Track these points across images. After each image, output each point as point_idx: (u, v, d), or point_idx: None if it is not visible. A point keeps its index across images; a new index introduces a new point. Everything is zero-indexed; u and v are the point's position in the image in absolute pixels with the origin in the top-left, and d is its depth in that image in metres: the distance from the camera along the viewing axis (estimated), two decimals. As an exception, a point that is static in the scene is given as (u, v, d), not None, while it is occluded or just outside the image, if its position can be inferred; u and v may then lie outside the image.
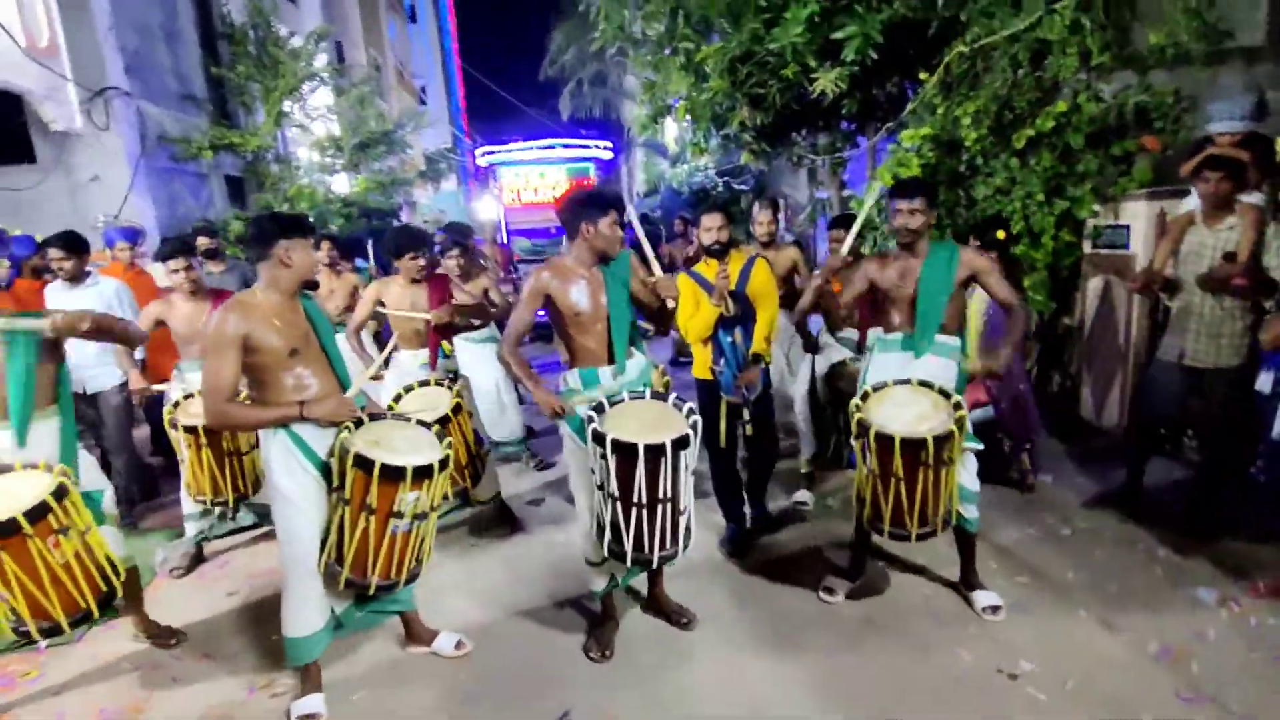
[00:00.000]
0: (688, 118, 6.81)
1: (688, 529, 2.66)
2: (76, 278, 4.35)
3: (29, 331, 2.68)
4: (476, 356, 4.83)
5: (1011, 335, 2.99)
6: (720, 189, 11.69)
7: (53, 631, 2.52)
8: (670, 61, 6.23)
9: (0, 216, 6.75)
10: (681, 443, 2.45)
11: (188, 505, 3.80)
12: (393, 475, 2.37)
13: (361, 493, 2.38)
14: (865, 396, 2.85)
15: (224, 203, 10.94)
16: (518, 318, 2.80)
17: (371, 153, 11.77)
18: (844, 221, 4.18)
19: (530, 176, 10.37)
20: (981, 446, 2.92)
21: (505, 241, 10.11)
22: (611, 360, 2.80)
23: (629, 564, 2.62)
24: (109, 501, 2.92)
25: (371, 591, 2.52)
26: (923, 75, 5.06)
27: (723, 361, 3.40)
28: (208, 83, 10.83)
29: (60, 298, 4.28)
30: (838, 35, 5.04)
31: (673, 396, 2.75)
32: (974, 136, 4.78)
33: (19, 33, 6.75)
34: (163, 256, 3.82)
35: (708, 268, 3.50)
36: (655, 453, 2.41)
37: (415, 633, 2.96)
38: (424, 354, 4.00)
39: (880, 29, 4.91)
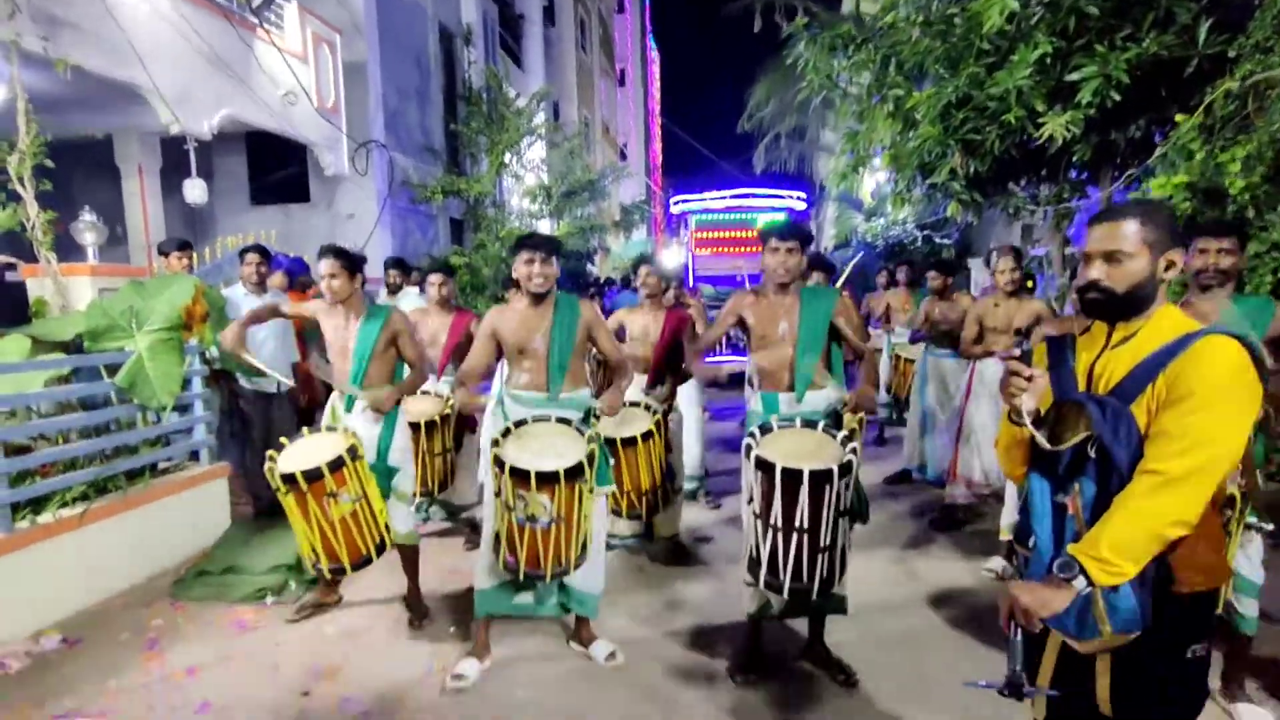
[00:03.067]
0: (890, 169, 6.58)
1: (831, 569, 2.54)
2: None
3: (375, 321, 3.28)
4: (684, 392, 4.91)
5: None
6: (919, 243, 11.13)
7: (315, 570, 3.20)
8: (877, 110, 6.08)
9: (280, 243, 8.10)
10: (824, 476, 2.38)
11: None
12: (500, 466, 2.68)
13: (498, 484, 2.72)
14: None
15: (446, 240, 12.31)
16: (712, 331, 3.16)
17: (576, 200, 12.69)
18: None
19: (720, 225, 10.57)
20: (1271, 527, 2.43)
21: (692, 287, 10.34)
22: (792, 388, 2.85)
23: (762, 585, 2.61)
24: (404, 480, 3.36)
25: (521, 576, 2.83)
26: (1179, 118, 4.49)
27: (1031, 540, 1.56)
28: (445, 137, 12.36)
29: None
30: (1072, 77, 4.63)
31: (842, 433, 2.65)
32: (1241, 185, 4.13)
33: (314, 94, 8.17)
34: (427, 271, 4.56)
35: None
36: (792, 478, 2.39)
37: (580, 633, 3.15)
38: (642, 380, 4.16)
39: (1125, 69, 4.45)
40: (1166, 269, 1.45)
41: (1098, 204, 6.44)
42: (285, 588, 3.71)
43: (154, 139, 7.82)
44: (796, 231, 2.85)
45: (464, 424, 4.42)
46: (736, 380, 5.28)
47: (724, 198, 10.26)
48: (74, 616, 3.48)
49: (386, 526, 3.22)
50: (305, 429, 3.25)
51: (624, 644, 3.11)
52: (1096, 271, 1.47)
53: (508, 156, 12.22)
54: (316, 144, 8.49)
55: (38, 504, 3.52)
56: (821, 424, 2.71)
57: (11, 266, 4.03)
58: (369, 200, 10.16)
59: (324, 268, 3.18)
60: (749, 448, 2.52)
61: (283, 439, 3.15)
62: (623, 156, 26.40)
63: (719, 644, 3.16)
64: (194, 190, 6.74)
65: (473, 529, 4.51)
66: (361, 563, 3.13)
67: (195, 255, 4.94)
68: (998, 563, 3.77)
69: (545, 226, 14.13)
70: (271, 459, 3.01)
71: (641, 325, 4.20)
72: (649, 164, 31.95)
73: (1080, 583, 1.37)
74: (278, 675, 2.98)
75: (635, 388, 4.09)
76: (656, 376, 4.13)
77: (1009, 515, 3.80)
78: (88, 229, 4.79)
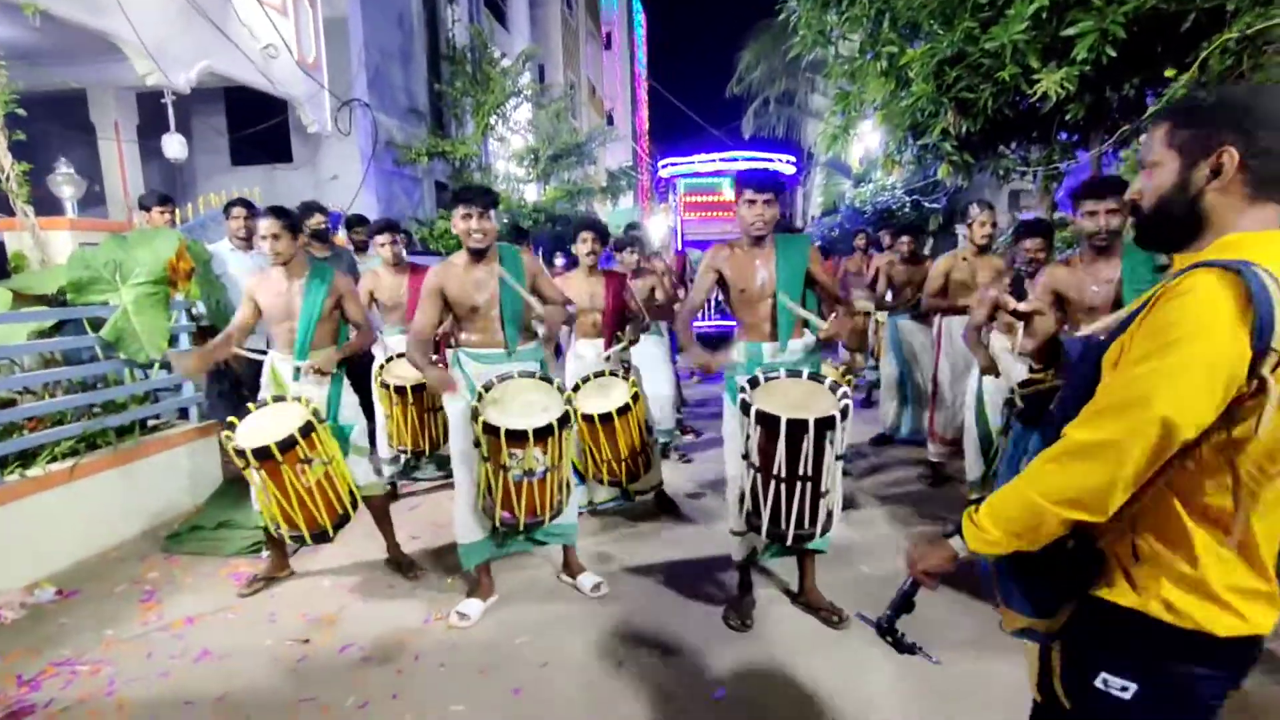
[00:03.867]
0: (880, 131, 6.53)
1: (829, 514, 2.62)
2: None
3: (321, 283, 3.19)
4: (644, 349, 4.92)
5: None
6: (907, 209, 11.11)
7: (296, 539, 3.05)
8: (870, 67, 6.01)
9: (264, 204, 7.93)
10: (826, 423, 2.42)
11: (384, 452, 4.28)
12: (492, 432, 2.67)
13: (479, 441, 2.75)
14: None
15: (432, 205, 12.13)
16: (695, 291, 3.01)
17: (563, 163, 12.52)
18: (1043, 230, 3.85)
19: (709, 189, 10.48)
20: None
21: (680, 250, 10.29)
22: (775, 337, 2.88)
23: (764, 536, 2.65)
24: (359, 435, 3.35)
25: (497, 524, 2.89)
26: (1169, 73, 4.48)
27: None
28: (429, 97, 12.11)
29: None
30: (1069, 31, 4.59)
31: (829, 379, 2.68)
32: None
33: (295, 48, 7.95)
34: (373, 232, 4.41)
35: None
36: (798, 428, 2.41)
37: (569, 563, 3.29)
38: (600, 344, 4.14)
39: (1121, 23, 4.42)
40: (1214, 175, 1.05)
41: (1087, 166, 6.46)
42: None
43: (130, 95, 7.59)
44: (772, 182, 2.80)
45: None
46: (716, 344, 5.28)
47: (713, 160, 10.15)
48: (68, 569, 3.47)
49: (354, 483, 3.20)
50: (251, 405, 3.11)
51: (618, 595, 3.17)
52: (1133, 189, 1.18)
53: (493, 119, 12.01)
54: (298, 99, 8.29)
55: (26, 459, 3.48)
56: (806, 371, 2.72)
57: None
58: (353, 162, 9.97)
59: (264, 227, 3.08)
60: (745, 403, 2.52)
61: (232, 419, 3.01)
62: (609, 121, 26.02)
63: (709, 589, 3.22)
64: (173, 145, 6.55)
65: (465, 485, 4.53)
66: (340, 521, 3.10)
67: (177, 211, 4.83)
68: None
69: (532, 191, 13.97)
70: (229, 437, 2.91)
71: (585, 291, 4.12)
72: (635, 130, 31.51)
73: (958, 543, 1.20)
74: (276, 625, 3.00)
75: (600, 358, 4.06)
76: (612, 339, 4.11)
77: (973, 473, 3.87)
78: (65, 181, 4.65)
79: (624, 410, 3.64)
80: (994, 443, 3.75)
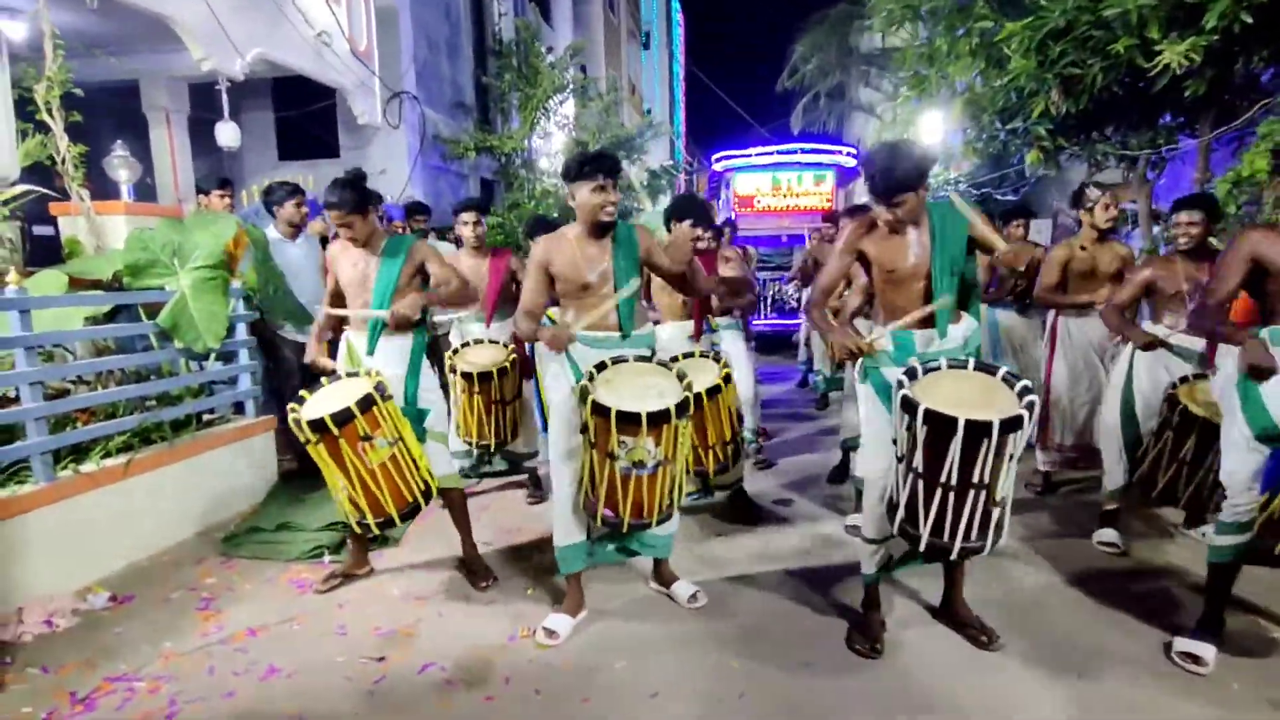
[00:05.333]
0: (950, 118, 6.11)
1: (1000, 523, 2.24)
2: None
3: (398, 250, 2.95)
4: (729, 339, 4.58)
5: None
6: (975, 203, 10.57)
7: (363, 526, 2.80)
8: (960, 45, 5.59)
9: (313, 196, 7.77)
10: (1012, 424, 2.06)
11: (454, 443, 3.97)
12: (602, 414, 2.37)
13: (586, 424, 2.46)
14: None
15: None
16: (831, 271, 2.60)
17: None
18: (1204, 203, 3.37)
19: (764, 183, 10.08)
20: None
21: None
22: (929, 323, 2.47)
23: (922, 549, 2.27)
24: (436, 419, 3.06)
25: (598, 520, 2.56)
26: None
27: None
28: (476, 92, 11.93)
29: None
30: (1199, -4, 4.15)
31: (1003, 370, 2.29)
32: None
33: (347, 36, 7.78)
34: (456, 210, 4.12)
35: None
36: (978, 432, 2.05)
37: (661, 573, 3.01)
38: (688, 325, 3.86)
39: (1263, -15, 3.96)
40: None
41: (1194, 151, 5.96)
42: (343, 546, 3.43)
43: (182, 85, 7.46)
44: (903, 183, 2.32)
45: (525, 371, 4.11)
46: (775, 344, 4.89)
47: (770, 153, 9.76)
48: (122, 573, 3.22)
49: (429, 472, 2.92)
50: (324, 379, 2.91)
51: (721, 610, 2.84)
52: None
53: (539, 114, 11.78)
54: (349, 90, 8.12)
55: (79, 454, 3.26)
56: (972, 362, 2.36)
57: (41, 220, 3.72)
58: (400, 157, 9.79)
59: (333, 216, 2.84)
60: (910, 400, 2.16)
61: (303, 392, 2.82)
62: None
63: (822, 602, 2.87)
64: (227, 133, 6.38)
65: (534, 483, 4.23)
66: (409, 511, 2.84)
67: (230, 196, 4.61)
68: (1110, 534, 3.42)
69: (576, 188, 13.70)
70: (294, 409, 2.69)
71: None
72: (676, 132, 31.21)
73: None
74: (347, 639, 2.71)
75: (688, 339, 3.83)
76: (703, 322, 3.90)
77: (1113, 481, 3.45)
78: (121, 164, 4.47)
79: (714, 392, 3.32)
80: (1143, 445, 3.32)
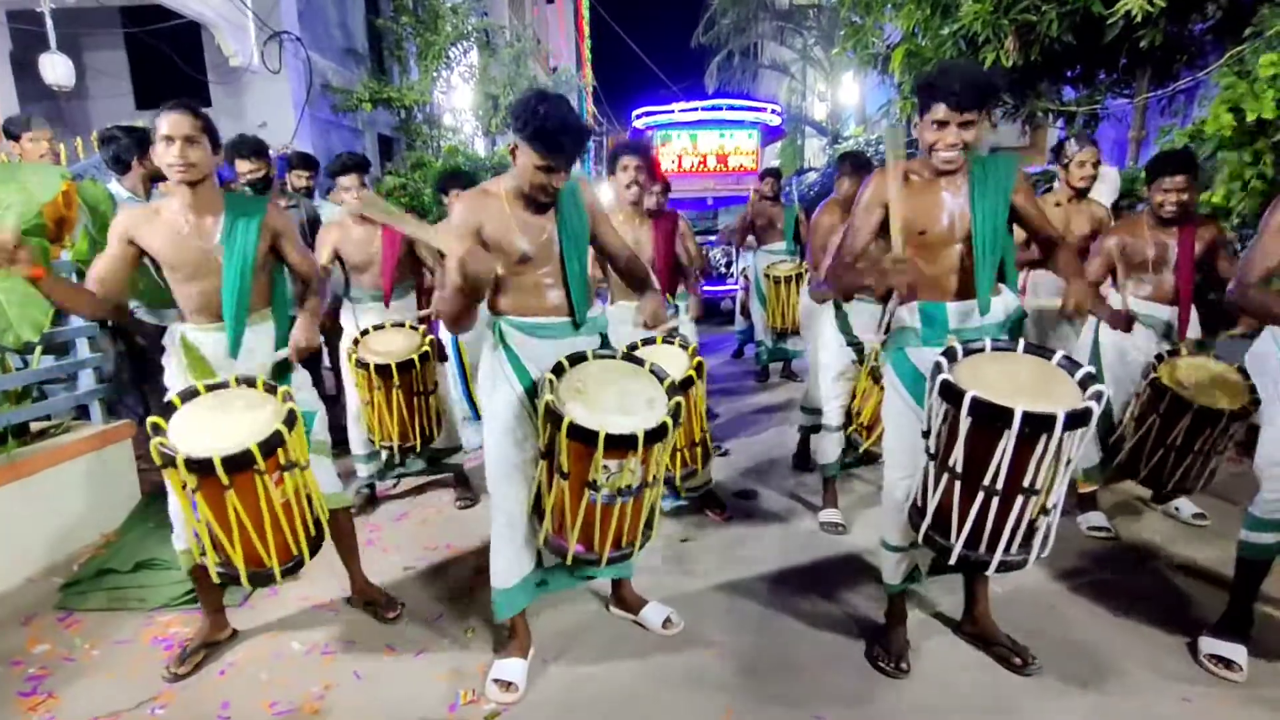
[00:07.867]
0: (867, 76, 5.81)
1: (1046, 535, 1.89)
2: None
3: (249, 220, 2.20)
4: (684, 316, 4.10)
5: None
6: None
7: (265, 579, 2.07)
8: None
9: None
10: (1079, 419, 1.68)
11: (356, 447, 3.45)
12: (584, 438, 1.81)
13: (555, 449, 1.91)
14: None
15: (376, 159, 10.86)
16: (860, 230, 2.13)
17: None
18: (1188, 163, 3.09)
19: (688, 142, 9.57)
20: None
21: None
22: (965, 294, 2.07)
23: (953, 560, 1.91)
24: (320, 426, 2.42)
25: (569, 561, 2.04)
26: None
27: None
28: (369, 38, 10.75)
29: None
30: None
31: (1059, 354, 1.92)
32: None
33: (207, -38, 6.61)
34: (333, 172, 3.37)
35: None
36: (1038, 426, 1.67)
37: (623, 597, 2.56)
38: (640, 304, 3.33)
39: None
40: None
41: (1129, 109, 5.90)
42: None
43: (-4, 14, 6.14)
44: (979, 95, 1.96)
45: (437, 355, 3.48)
46: (705, 312, 4.42)
47: (694, 109, 9.22)
48: (-90, 647, 2.42)
49: (321, 506, 2.22)
50: (199, 383, 2.11)
51: (704, 635, 2.39)
52: None
53: (440, 64, 10.74)
54: (216, 25, 6.95)
55: None
56: (1021, 343, 1.96)
57: None
58: (284, 107, 8.65)
59: (167, 126, 2.01)
60: (951, 386, 1.75)
61: (174, 398, 2.03)
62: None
63: (830, 613, 2.50)
64: (54, 68, 5.19)
65: (462, 483, 3.65)
66: (315, 545, 2.16)
67: (55, 142, 3.64)
68: (1097, 517, 3.20)
69: (482, 145, 12.77)
70: (159, 427, 1.92)
71: (627, 238, 3.34)
72: (580, 93, 30.06)
73: None
74: (232, 724, 2.07)
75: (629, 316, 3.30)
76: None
77: (1087, 459, 3.21)
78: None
79: (686, 385, 2.80)
80: (1119, 426, 3.08)
